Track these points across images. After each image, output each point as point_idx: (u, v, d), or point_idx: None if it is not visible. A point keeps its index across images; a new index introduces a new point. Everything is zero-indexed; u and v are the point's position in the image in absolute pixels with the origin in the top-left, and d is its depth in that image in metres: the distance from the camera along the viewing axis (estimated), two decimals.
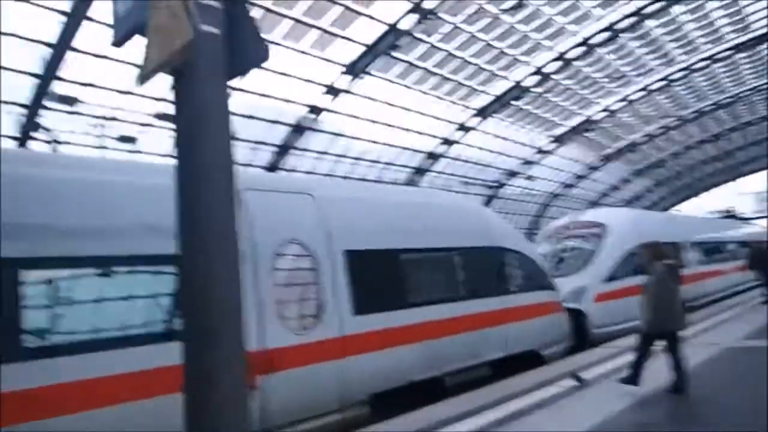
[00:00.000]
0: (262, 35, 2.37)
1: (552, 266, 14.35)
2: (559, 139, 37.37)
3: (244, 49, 2.28)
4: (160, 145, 22.21)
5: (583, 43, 26.94)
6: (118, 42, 2.60)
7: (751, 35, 28.99)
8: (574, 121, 35.97)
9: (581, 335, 12.40)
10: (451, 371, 8.20)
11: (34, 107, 17.36)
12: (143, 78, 2.40)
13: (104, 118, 19.47)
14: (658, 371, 6.93)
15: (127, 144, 20.87)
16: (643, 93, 34.34)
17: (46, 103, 17.51)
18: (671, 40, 29.10)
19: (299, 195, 7.30)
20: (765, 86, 36.47)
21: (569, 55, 27.65)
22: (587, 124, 36.41)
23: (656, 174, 53.51)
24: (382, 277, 7.74)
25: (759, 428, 5.12)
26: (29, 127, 17.51)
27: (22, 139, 17.65)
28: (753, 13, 27.34)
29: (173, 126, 2.31)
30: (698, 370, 7.54)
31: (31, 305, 4.80)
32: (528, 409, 6.54)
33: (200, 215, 2.20)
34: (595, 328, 12.85)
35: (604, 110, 35.40)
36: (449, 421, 6.08)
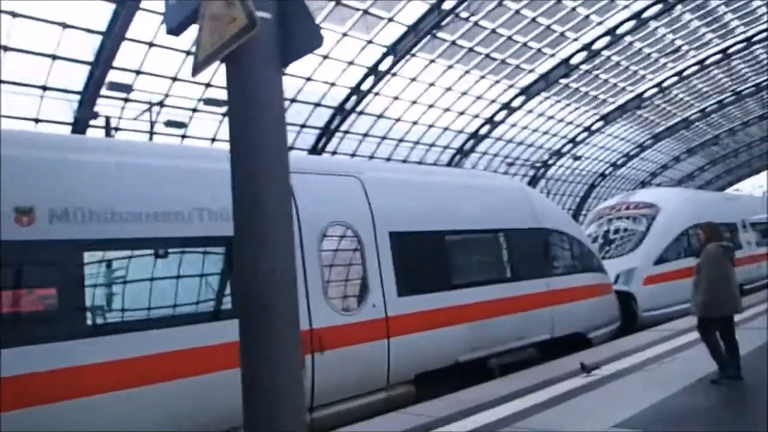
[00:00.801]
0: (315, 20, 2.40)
1: (601, 247, 14.12)
2: (608, 118, 36.31)
3: (298, 35, 2.31)
4: (208, 129, 22.79)
5: (635, 16, 25.95)
6: (173, 30, 2.67)
7: None
8: (624, 99, 34.84)
9: (630, 318, 12.23)
10: (496, 352, 8.19)
11: (90, 94, 17.99)
12: (198, 67, 2.46)
13: (154, 104, 19.98)
14: (702, 357, 6.78)
15: (175, 129, 21.42)
16: (697, 67, 32.92)
17: (103, 91, 18.12)
18: (729, 11, 27.72)
19: (346, 177, 7.37)
20: None
21: (620, 30, 26.69)
22: (638, 101, 35.22)
23: (710, 152, 51.46)
24: (427, 258, 7.76)
25: None
26: (87, 114, 18.17)
27: (78, 126, 18.34)
28: None
29: (227, 113, 2.37)
30: (752, 356, 7.32)
31: None
32: (576, 391, 6.49)
33: (256, 201, 2.27)
34: (644, 311, 12.65)
35: (656, 86, 34.12)
36: (484, 406, 6.09)
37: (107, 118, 18.50)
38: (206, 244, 5.79)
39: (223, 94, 20.73)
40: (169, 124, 21.03)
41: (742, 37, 30.38)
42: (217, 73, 18.59)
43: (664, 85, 34.06)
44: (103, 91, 18.26)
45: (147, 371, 5.04)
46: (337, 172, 7.56)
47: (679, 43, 28.77)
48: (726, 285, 6.56)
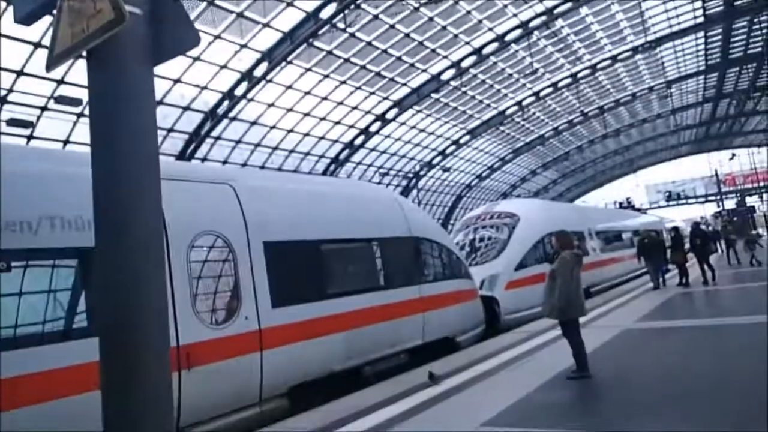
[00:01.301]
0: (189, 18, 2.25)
1: (468, 255, 14.84)
2: (474, 132, 38.53)
3: (171, 33, 2.14)
4: (60, 131, 20.81)
5: (499, 38, 27.84)
6: (23, 20, 2.37)
7: (650, 37, 31.13)
8: (488, 115, 37.19)
9: (494, 320, 12.91)
10: (371, 360, 8.24)
11: None
12: (54, 62, 2.21)
13: None
14: (557, 356, 7.36)
15: (20, 128, 19.30)
16: (551, 89, 36.02)
17: None
18: (578, 39, 30.68)
19: (218, 185, 7.09)
20: (660, 86, 39.36)
21: (485, 51, 28.47)
22: (500, 118, 37.76)
23: (562, 167, 56.53)
24: (302, 268, 7.63)
25: (657, 398, 5.58)
26: None
27: None
28: (652, 17, 29.41)
29: (88, 115, 2.13)
30: (600, 352, 8.08)
31: None
32: (445, 394, 6.73)
33: (121, 211, 2.06)
34: (506, 314, 13.41)
35: (516, 104, 36.82)
36: (357, 415, 6.13)
37: None
38: (57, 255, 5.26)
39: (78, 92, 19.01)
40: (12, 122, 18.90)
41: (588, 63, 33.77)
42: (73, 69, 17.07)
43: (524, 103, 36.86)
44: None
45: None
46: (209, 180, 7.20)
47: (536, 65, 31.33)
48: (576, 289, 7.17)
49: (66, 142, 20.98)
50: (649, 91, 40.65)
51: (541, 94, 36.35)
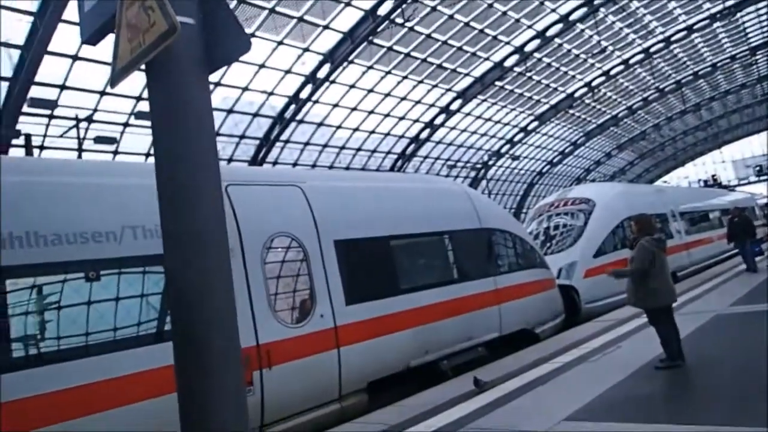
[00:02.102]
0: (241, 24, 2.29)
1: (542, 244, 14.49)
2: (542, 118, 37.46)
3: (223, 40, 2.19)
4: (141, 145, 21.99)
5: (562, 19, 26.90)
6: (89, 40, 2.50)
7: (727, 2, 29.13)
8: (556, 99, 36.05)
9: (573, 311, 12.55)
10: (447, 354, 8.18)
11: (10, 112, 17.00)
12: (116, 77, 2.30)
13: (81, 120, 19.09)
14: (643, 346, 7.00)
15: (105, 144, 20.54)
16: (622, 67, 34.43)
17: (24, 108, 17.17)
18: (648, 12, 29.15)
19: (288, 187, 7.24)
20: (743, 54, 36.76)
21: (549, 33, 27.60)
22: (569, 101, 36.51)
23: (639, 147, 53.94)
24: (373, 265, 7.69)
25: (758, 386, 5.19)
26: (9, 133, 17.16)
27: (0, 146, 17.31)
28: None
29: (150, 125, 2.22)
30: (690, 340, 7.63)
31: None
32: (525, 387, 6.57)
33: (185, 215, 2.13)
34: (586, 303, 13.00)
35: (585, 86, 35.48)
36: (436, 410, 6.09)
37: (27, 136, 17.43)
38: (143, 263, 5.51)
39: None
40: (99, 140, 20.15)
41: (662, 37, 32.01)
42: None
43: (593, 84, 35.45)
44: (25, 108, 17.31)
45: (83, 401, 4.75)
46: (279, 182, 7.40)
47: (604, 44, 30.02)
48: (663, 275, 6.78)
49: (147, 155, 22.13)
50: (731, 60, 38.02)
51: (612, 72, 34.83)
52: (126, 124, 20.90)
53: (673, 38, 32.17)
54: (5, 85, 16.69)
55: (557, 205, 16.03)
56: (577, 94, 36.15)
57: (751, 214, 18.11)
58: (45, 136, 19.30)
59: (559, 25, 27.22)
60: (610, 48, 31.16)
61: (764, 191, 44.53)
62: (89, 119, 19.58)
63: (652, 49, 33.12)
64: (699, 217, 21.81)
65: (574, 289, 13.12)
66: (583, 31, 28.85)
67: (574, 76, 34.19)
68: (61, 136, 19.27)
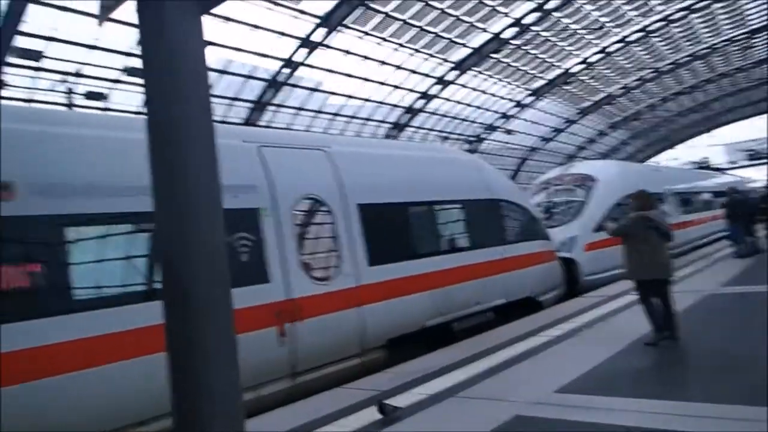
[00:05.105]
0: None
1: (544, 217, 14.66)
2: (537, 93, 37.14)
3: None
4: (131, 101, 21.48)
5: None
6: None
7: None
8: (553, 74, 35.69)
9: (573, 282, 12.87)
10: (459, 317, 8.65)
11: None
12: (104, 12, 2.13)
13: (71, 74, 18.59)
14: (635, 320, 7.05)
15: (96, 101, 20.06)
16: (620, 45, 34.07)
17: (9, 58, 16.63)
18: None
19: (315, 151, 7.55)
20: (741, 36, 36.50)
21: (548, 5, 27.15)
22: (565, 77, 36.18)
23: (632, 126, 53.82)
24: (394, 229, 8.14)
25: (749, 364, 5.21)
26: None
27: None
28: None
29: (142, 70, 2.05)
30: (682, 318, 7.68)
31: None
32: (517, 358, 6.59)
33: (177, 169, 1.99)
34: (585, 276, 13.34)
35: (582, 62, 35.13)
36: (429, 377, 6.12)
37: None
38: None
39: None
40: (90, 96, 19.66)
41: (660, 16, 31.61)
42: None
43: (590, 60, 35.08)
44: (10, 59, 16.77)
45: (131, 345, 4.94)
46: (306, 146, 7.69)
47: (603, 20, 29.56)
48: (654, 251, 6.78)
49: (139, 113, 21.67)
50: (729, 43, 37.74)
51: (609, 50, 34.46)
52: (117, 81, 20.37)
53: (671, 17, 31.79)
54: None
55: (560, 180, 16.39)
56: (573, 70, 35.80)
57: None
58: (32, 88, 18.76)
59: None
60: (609, 25, 30.74)
61: (754, 175, 44.79)
62: (78, 74, 19.05)
63: (651, 28, 32.74)
64: (694, 198, 22.12)
65: (575, 262, 13.29)
66: (582, 6, 28.41)
67: (571, 52, 33.81)
68: (51, 90, 18.78)
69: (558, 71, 35.45)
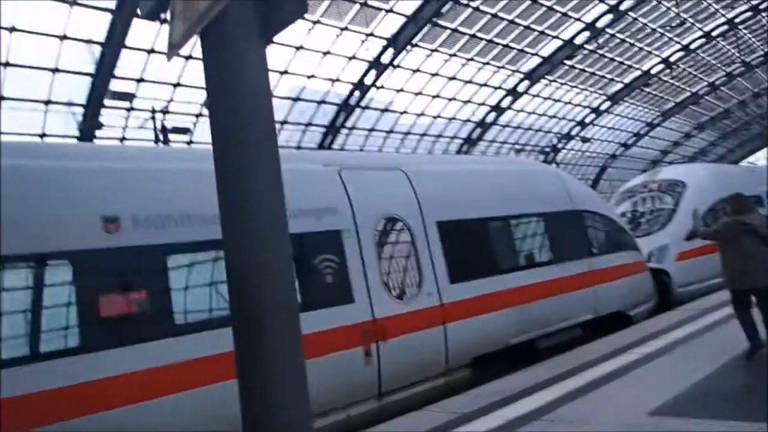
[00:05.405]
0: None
1: (631, 226, 14.07)
2: (615, 97, 35.72)
3: (278, 4, 2.09)
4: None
5: None
6: (148, 15, 2.45)
7: None
8: (630, 77, 34.24)
9: (665, 295, 12.19)
10: (544, 334, 8.42)
11: (93, 105, 17.85)
12: (171, 50, 2.24)
13: (157, 111, 19.83)
14: (734, 335, 6.52)
15: (182, 135, 21.25)
16: (703, 40, 32.24)
17: (106, 101, 17.98)
18: None
19: (392, 171, 7.64)
20: None
21: (623, 6, 26.16)
22: (644, 79, 34.60)
23: (721, 126, 50.56)
24: (474, 245, 8.07)
25: None
26: (92, 124, 18.04)
27: (84, 137, 18.23)
28: None
29: (207, 100, 2.13)
30: None
31: None
32: (606, 378, 6.25)
33: (242, 192, 2.04)
34: (679, 287, 12.61)
35: (663, 62, 33.50)
36: (512, 398, 5.91)
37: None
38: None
39: None
40: (175, 130, 20.87)
41: (748, 6, 29.67)
42: None
43: (671, 60, 33.42)
44: (106, 102, 18.12)
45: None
46: (384, 167, 7.89)
47: (683, 16, 28.12)
48: (755, 257, 6.29)
49: None
50: None
51: (692, 47, 32.68)
52: (198, 115, 21.51)
53: (760, 5, 29.75)
54: (89, 79, 17.53)
55: (646, 187, 15.69)
56: (653, 71, 34.20)
57: None
58: (125, 128, 20.15)
59: None
60: (690, 20, 29.20)
61: None
62: (164, 110, 20.28)
63: (738, 20, 30.78)
64: None
65: (666, 273, 12.70)
66: (659, 3, 27.16)
67: (650, 52, 32.32)
68: (139, 127, 20.11)
69: (636, 73, 33.98)
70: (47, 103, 17.40)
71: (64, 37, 16.18)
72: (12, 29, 15.20)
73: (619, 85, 34.77)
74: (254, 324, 2.03)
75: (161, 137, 19.91)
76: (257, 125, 2.09)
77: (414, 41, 23.11)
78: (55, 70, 16.79)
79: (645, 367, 6.56)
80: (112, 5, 16.00)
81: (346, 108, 25.26)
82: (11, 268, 4.67)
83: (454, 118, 30.42)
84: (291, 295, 2.19)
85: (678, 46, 32.48)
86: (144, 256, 5.12)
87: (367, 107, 26.09)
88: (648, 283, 11.17)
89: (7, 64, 15.77)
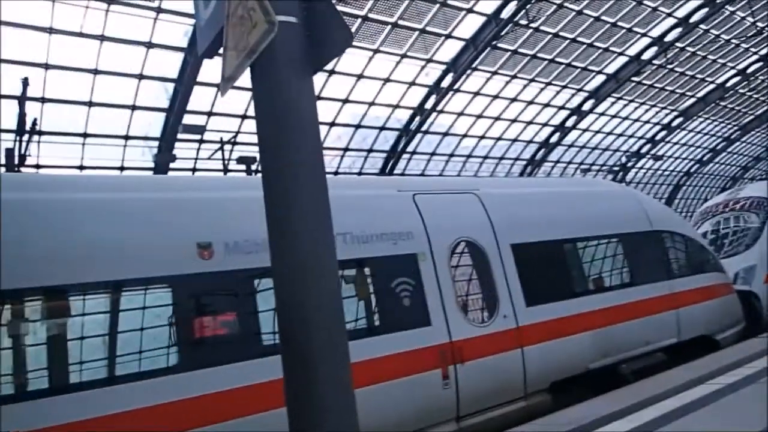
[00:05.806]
0: (346, 21, 2.22)
1: (715, 247, 13.40)
2: (687, 113, 34.23)
3: (325, 36, 2.15)
4: None
5: (708, 2, 24.44)
6: (205, 54, 2.58)
7: None
8: (704, 91, 32.77)
9: (754, 318, 11.47)
10: (626, 358, 8.17)
11: (167, 139, 18.91)
12: (225, 83, 2.33)
13: (225, 142, 20.67)
14: None
15: (247, 164, 21.97)
16: None
17: (180, 135, 19.00)
18: None
19: (465, 194, 7.72)
20: None
21: (693, 19, 25.22)
22: (720, 92, 33.02)
23: None
24: (550, 268, 7.96)
25: None
26: (166, 157, 19.08)
27: (158, 169, 19.26)
28: None
29: (257, 128, 2.21)
30: None
31: None
32: (688, 407, 5.86)
33: (291, 220, 2.09)
34: None
35: (739, 74, 31.90)
36: (611, 417, 5.66)
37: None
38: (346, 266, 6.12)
39: None
40: (241, 160, 21.62)
41: None
42: None
43: (748, 71, 31.77)
44: (179, 135, 19.12)
45: None
46: (457, 190, 7.97)
47: (760, 25, 26.76)
48: None
49: None
50: None
51: None
52: None
53: None
54: (163, 115, 18.63)
55: (728, 206, 14.91)
56: (729, 84, 32.60)
57: None
58: (196, 159, 21.13)
59: (704, 10, 24.76)
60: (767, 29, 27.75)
61: None
62: (233, 141, 21.13)
63: None
64: None
65: (755, 295, 12.06)
66: (733, 13, 26.00)
67: (724, 64, 30.89)
68: (209, 158, 21.01)
69: (710, 87, 32.51)
70: (126, 138, 18.55)
71: (141, 77, 17.27)
72: (95, 71, 16.39)
73: (692, 100, 33.35)
74: (301, 352, 2.04)
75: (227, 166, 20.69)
76: (304, 149, 2.14)
77: (474, 65, 23.12)
78: (133, 107, 17.92)
79: (731, 397, 6.11)
80: (184, 44, 16.99)
81: (407, 133, 25.47)
82: (118, 292, 5.10)
83: (516, 140, 30.03)
84: (340, 323, 2.20)
85: (755, 57, 30.89)
86: (234, 280, 5.41)
87: (427, 131, 26.21)
88: (735, 306, 10.57)
89: (90, 104, 16.98)
